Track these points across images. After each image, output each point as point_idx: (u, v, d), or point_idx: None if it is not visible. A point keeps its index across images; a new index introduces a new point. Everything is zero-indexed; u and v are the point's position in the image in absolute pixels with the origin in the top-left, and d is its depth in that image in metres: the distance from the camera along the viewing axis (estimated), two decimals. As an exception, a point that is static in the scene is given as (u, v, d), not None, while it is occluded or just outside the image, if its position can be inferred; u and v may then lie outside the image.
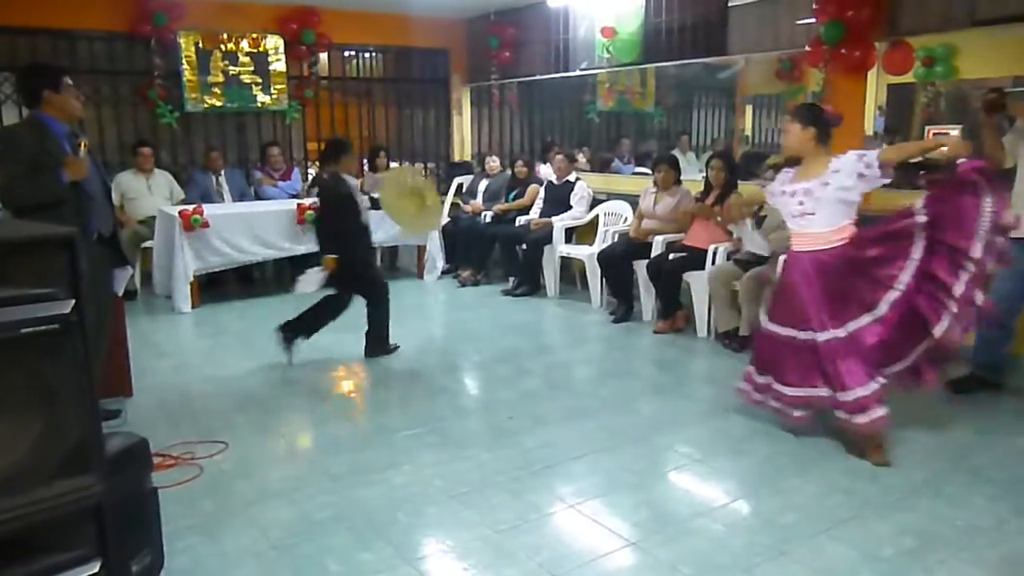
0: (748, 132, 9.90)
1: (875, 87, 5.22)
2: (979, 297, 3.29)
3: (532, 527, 2.85)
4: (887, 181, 3.43)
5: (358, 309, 4.86)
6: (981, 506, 2.98)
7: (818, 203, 3.46)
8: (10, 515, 1.68)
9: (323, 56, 8.49)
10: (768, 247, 4.99)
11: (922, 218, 3.37)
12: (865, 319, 3.41)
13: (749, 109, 9.83)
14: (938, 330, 3.30)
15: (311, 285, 4.69)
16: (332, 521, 2.90)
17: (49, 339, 1.71)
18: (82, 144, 3.55)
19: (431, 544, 2.76)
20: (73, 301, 1.75)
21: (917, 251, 3.37)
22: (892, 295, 3.38)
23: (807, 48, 5.27)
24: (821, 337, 3.44)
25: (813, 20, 5.15)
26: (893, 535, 2.76)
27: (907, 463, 3.36)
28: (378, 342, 4.95)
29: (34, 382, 1.71)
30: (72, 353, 1.76)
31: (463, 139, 9.46)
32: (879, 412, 3.32)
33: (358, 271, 4.79)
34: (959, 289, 3.27)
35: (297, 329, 4.78)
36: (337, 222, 4.72)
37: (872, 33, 4.94)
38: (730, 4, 6.05)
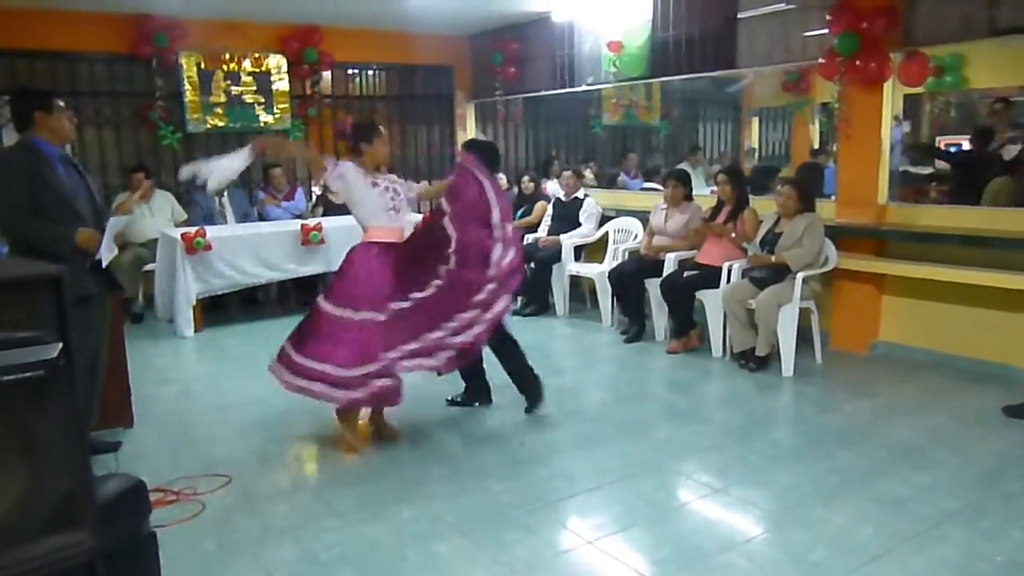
0: (755, 145, 9.82)
1: (891, 98, 5.07)
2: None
3: (548, 566, 2.71)
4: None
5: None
6: (1020, 539, 2.83)
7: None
8: (-6, 576, 1.56)
9: (326, 75, 8.42)
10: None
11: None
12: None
13: (755, 122, 9.75)
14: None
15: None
16: (339, 561, 2.77)
17: (34, 386, 1.60)
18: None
19: (443, 586, 2.62)
20: (60, 344, 1.64)
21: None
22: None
23: (820, 60, 5.16)
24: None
25: (825, 31, 5.04)
26: (930, 572, 2.62)
27: (937, 490, 3.22)
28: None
29: (17, 433, 1.59)
30: (59, 400, 1.64)
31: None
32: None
33: None
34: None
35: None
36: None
37: (887, 44, 4.83)
38: (739, 16, 5.96)
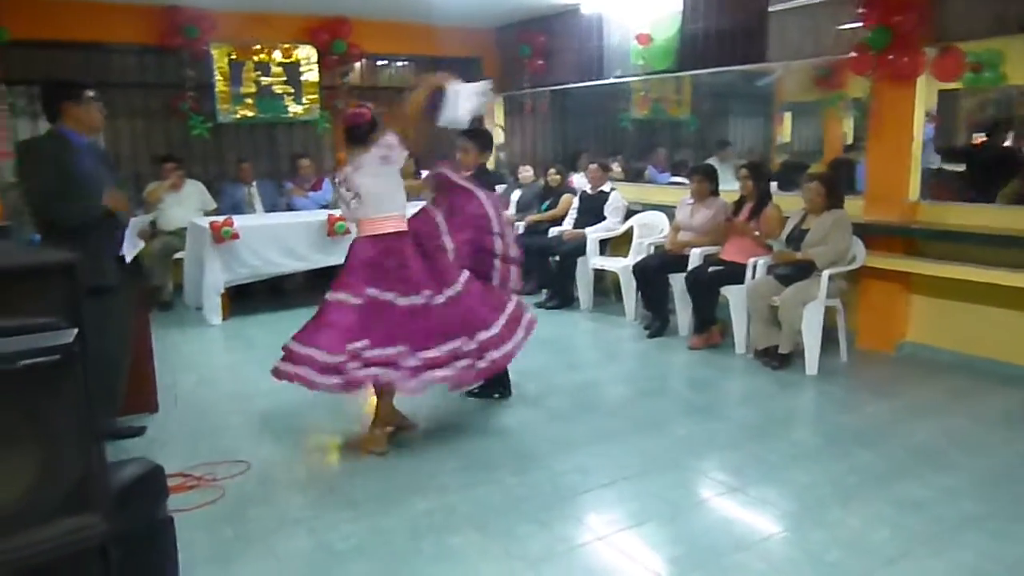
0: (786, 140, 9.66)
1: (923, 93, 4.97)
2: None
3: (561, 560, 2.71)
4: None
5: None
6: (1041, 544, 2.78)
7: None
8: (6, 557, 1.59)
9: (357, 66, 8.47)
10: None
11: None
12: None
13: (787, 116, 9.60)
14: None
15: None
16: (354, 552, 2.79)
17: (48, 371, 1.63)
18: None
19: (454, 578, 2.63)
20: (75, 330, 1.67)
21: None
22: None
23: (852, 54, 5.06)
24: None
25: (861, 24, 4.94)
26: (947, 575, 2.58)
27: (955, 492, 3.17)
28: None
29: (32, 417, 1.62)
30: (73, 385, 1.67)
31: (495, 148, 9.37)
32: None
33: None
34: None
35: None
36: None
37: (920, 38, 4.73)
38: (770, 9, 5.88)
